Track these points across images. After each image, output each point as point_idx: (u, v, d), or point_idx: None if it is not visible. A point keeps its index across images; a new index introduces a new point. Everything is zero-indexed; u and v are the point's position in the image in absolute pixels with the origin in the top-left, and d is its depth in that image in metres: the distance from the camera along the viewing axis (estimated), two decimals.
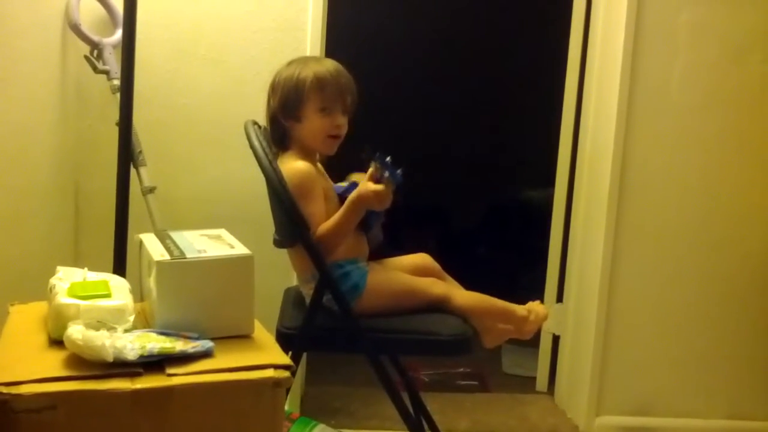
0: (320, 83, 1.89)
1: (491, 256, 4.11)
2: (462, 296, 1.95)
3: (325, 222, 1.82)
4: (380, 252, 2.05)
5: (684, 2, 2.48)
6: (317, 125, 1.91)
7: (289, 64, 1.96)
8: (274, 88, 1.94)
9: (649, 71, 2.50)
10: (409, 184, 1.79)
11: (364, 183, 1.80)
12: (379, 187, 1.77)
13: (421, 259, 2.08)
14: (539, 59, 3.48)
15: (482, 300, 1.96)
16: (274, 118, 1.95)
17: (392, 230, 2.05)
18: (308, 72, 1.90)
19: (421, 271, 2.02)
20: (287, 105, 1.91)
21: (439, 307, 1.92)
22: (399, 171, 1.77)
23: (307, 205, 1.81)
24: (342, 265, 1.88)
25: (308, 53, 2.41)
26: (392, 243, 2.06)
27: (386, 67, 4.14)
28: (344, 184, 1.97)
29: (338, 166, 2.05)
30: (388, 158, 1.77)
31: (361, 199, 1.80)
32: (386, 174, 1.76)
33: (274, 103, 1.93)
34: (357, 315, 1.83)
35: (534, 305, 2.04)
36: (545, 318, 2.07)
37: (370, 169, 1.79)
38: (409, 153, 4.25)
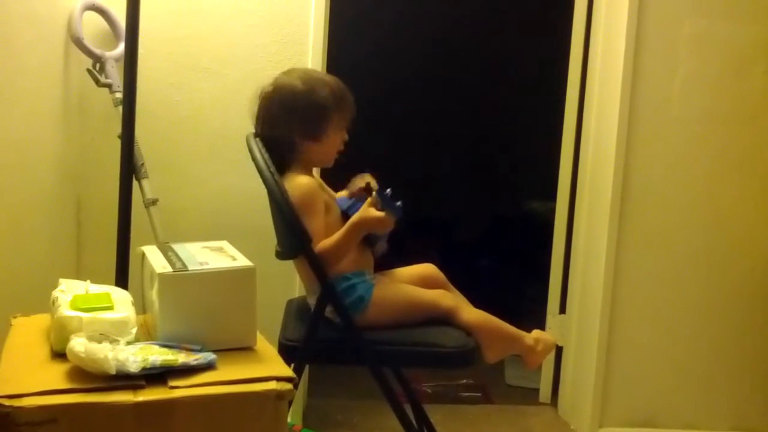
0: (340, 102, 1.91)
1: (494, 268, 4.10)
2: (470, 313, 1.94)
3: (325, 239, 1.82)
4: (385, 263, 2.05)
5: (685, 14, 2.49)
6: (334, 143, 1.94)
7: (292, 77, 1.92)
8: (290, 107, 1.89)
9: (651, 83, 2.51)
10: (412, 198, 1.79)
11: (366, 209, 1.81)
12: (381, 214, 1.78)
13: (427, 269, 2.08)
14: (542, 71, 3.49)
15: (490, 321, 1.94)
16: (285, 137, 1.89)
17: (395, 241, 2.05)
18: (326, 91, 1.89)
19: (427, 282, 2.02)
20: (309, 125, 1.89)
21: (443, 319, 1.92)
22: (399, 203, 1.78)
23: (308, 221, 1.81)
24: (348, 278, 1.88)
25: (310, 65, 2.42)
26: (396, 254, 2.07)
27: (387, 79, 4.15)
28: (344, 194, 1.98)
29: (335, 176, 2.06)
30: (388, 191, 1.78)
31: (362, 222, 1.81)
32: (387, 208, 1.77)
33: (294, 123, 1.88)
34: (362, 327, 1.83)
35: (542, 334, 2.02)
36: (553, 348, 2.07)
37: (372, 196, 1.80)
38: (411, 165, 4.27)
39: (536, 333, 2.01)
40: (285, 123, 1.89)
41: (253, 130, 1.95)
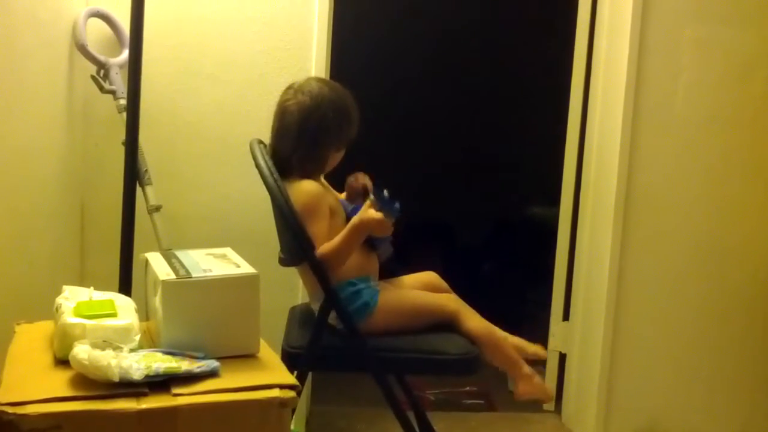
0: (344, 130, 1.94)
1: (497, 274, 4.10)
2: (475, 321, 1.94)
3: (327, 242, 1.83)
4: (388, 270, 2.05)
5: (688, 19, 2.49)
6: (332, 163, 1.98)
7: (324, 86, 1.94)
8: (296, 133, 1.90)
9: (654, 88, 2.51)
10: (414, 202, 1.79)
11: (365, 210, 1.81)
12: (379, 215, 1.79)
13: (429, 277, 2.09)
14: (544, 76, 3.49)
15: (494, 335, 1.94)
16: (288, 153, 1.91)
17: (398, 247, 2.05)
18: (352, 100, 1.94)
19: (429, 289, 2.02)
20: (348, 134, 1.94)
21: (447, 324, 1.91)
22: (396, 204, 1.78)
23: (311, 225, 1.82)
24: (354, 283, 1.89)
25: (313, 72, 2.42)
26: (398, 259, 2.07)
27: (388, 83, 4.14)
28: (342, 197, 1.99)
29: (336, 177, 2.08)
30: (384, 191, 1.79)
31: (362, 224, 1.82)
32: (384, 208, 1.77)
33: (298, 148, 1.90)
34: (367, 333, 1.83)
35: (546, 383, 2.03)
36: (546, 398, 2.11)
37: (370, 198, 1.80)
38: (413, 169, 4.25)
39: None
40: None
41: (257, 137, 1.95)
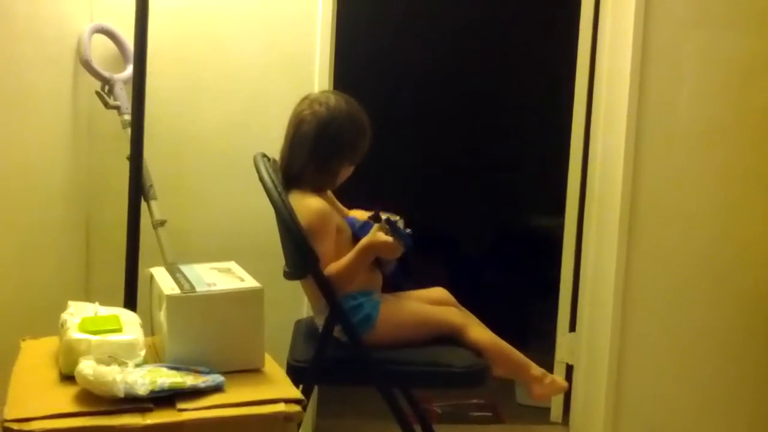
0: (359, 146, 1.95)
1: (503, 285, 4.08)
2: (480, 332, 1.93)
3: (334, 262, 1.82)
4: (395, 286, 2.05)
5: (690, 29, 2.49)
6: (342, 177, 1.98)
7: (340, 99, 1.94)
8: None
9: (656, 98, 2.50)
10: (416, 211, 1.80)
11: (375, 233, 1.81)
12: (389, 239, 1.79)
13: (439, 293, 2.08)
14: (549, 87, 3.49)
15: (500, 344, 1.94)
16: (300, 163, 1.92)
17: (402, 258, 2.05)
18: (366, 116, 1.94)
19: (439, 305, 2.01)
20: (362, 149, 1.94)
21: (452, 337, 1.91)
22: (408, 232, 1.79)
23: (319, 245, 1.81)
24: (355, 297, 1.88)
25: (316, 86, 2.42)
26: (402, 270, 2.06)
27: (390, 92, 4.14)
28: (357, 216, 1.98)
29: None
30: (397, 219, 1.80)
31: (371, 247, 1.82)
32: (396, 236, 1.78)
33: (312, 159, 1.90)
34: (371, 346, 1.83)
35: (554, 375, 2.03)
36: (562, 390, 2.06)
37: (380, 224, 1.81)
38: (415, 175, 4.22)
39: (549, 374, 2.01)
40: (305, 152, 1.90)
41: (261, 151, 1.95)
